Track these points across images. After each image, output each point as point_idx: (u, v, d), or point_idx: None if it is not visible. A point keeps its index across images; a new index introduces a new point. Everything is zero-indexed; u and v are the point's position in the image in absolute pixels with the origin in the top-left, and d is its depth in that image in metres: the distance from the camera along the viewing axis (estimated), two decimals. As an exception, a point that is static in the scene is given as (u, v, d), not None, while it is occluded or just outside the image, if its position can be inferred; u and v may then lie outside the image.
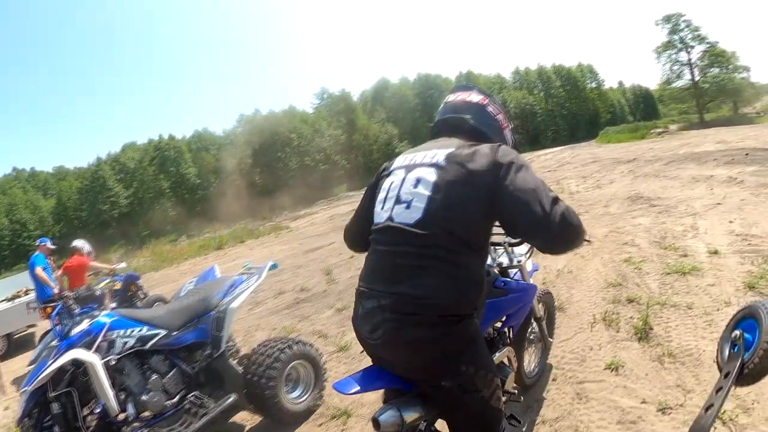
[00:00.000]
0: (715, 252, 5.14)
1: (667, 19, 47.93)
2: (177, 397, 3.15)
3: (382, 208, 1.67)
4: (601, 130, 43.54)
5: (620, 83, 72.15)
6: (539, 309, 2.86)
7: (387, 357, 1.62)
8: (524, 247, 2.51)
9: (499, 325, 2.26)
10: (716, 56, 45.84)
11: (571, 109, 57.89)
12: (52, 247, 7.48)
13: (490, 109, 1.94)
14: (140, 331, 3.06)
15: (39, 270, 6.90)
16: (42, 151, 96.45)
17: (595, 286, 4.90)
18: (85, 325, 2.92)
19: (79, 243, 7.29)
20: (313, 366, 3.70)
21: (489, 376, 1.56)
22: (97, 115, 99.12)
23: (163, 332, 3.15)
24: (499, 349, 2.17)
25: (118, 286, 7.14)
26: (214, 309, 3.44)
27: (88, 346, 2.80)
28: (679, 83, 48.89)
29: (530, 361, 3.05)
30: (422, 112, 52.83)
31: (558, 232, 1.49)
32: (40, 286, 6.94)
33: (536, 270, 3.04)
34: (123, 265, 7.96)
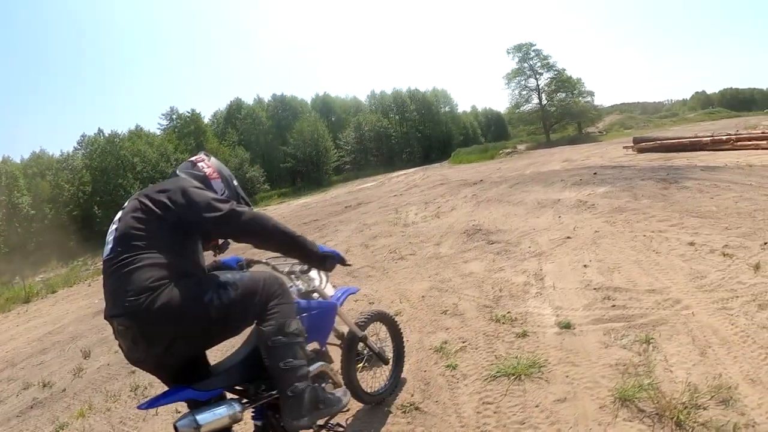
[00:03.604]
0: (567, 326, 3.59)
1: (518, 48, 53.21)
2: None
3: None
4: (453, 152, 45.23)
5: (473, 107, 78.14)
6: (354, 328, 2.89)
7: None
8: (314, 273, 2.73)
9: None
10: (563, 82, 51.76)
11: (425, 131, 60.98)
12: None
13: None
14: None
15: None
16: None
17: (379, 410, 3.02)
18: None
19: None
20: None
21: None
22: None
23: None
24: (312, 363, 2.38)
25: None
26: None
27: None
28: (527, 107, 54.07)
29: (372, 380, 3.23)
30: (276, 135, 52.88)
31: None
32: None
33: (352, 293, 3.20)
34: None
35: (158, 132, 50.12)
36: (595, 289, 4.28)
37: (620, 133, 45.81)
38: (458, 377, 3.23)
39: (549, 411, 2.59)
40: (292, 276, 2.69)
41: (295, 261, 2.60)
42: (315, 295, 2.68)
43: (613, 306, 3.81)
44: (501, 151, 35.19)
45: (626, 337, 3.24)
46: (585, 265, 5.02)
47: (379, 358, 3.09)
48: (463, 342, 3.73)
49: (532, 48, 52.66)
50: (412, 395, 3.15)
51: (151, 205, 2.06)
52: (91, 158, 43.43)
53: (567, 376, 2.88)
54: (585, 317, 3.70)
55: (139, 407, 1.98)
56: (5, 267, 32.65)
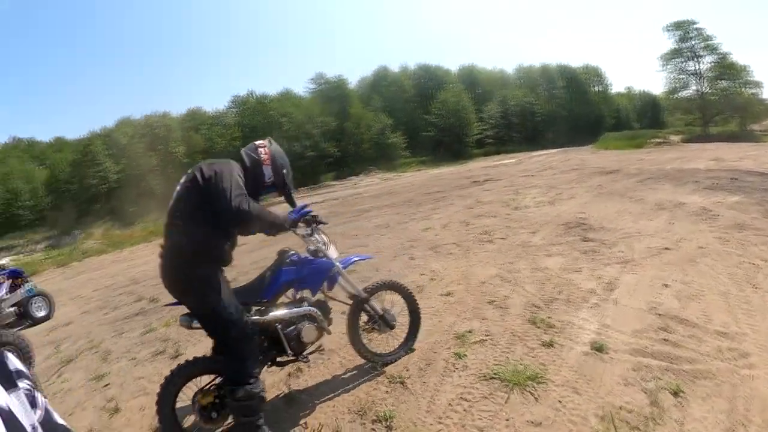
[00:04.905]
0: (600, 348, 3.22)
1: (678, 26, 45.67)
2: None
3: None
4: (601, 135, 41.78)
5: (628, 88, 69.93)
6: (358, 291, 3.26)
7: None
8: (317, 236, 3.17)
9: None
10: (726, 68, 43.59)
11: (573, 111, 55.91)
12: None
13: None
14: None
15: None
16: (42, 121, 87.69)
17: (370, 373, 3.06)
18: None
19: None
20: None
21: None
22: (100, 86, 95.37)
23: None
24: (300, 305, 3.03)
25: (2, 280, 8.06)
26: None
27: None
28: (684, 93, 46.85)
29: (380, 343, 3.48)
30: (419, 104, 51.79)
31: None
32: None
33: (362, 259, 3.66)
34: (4, 261, 9.17)
35: (305, 95, 51.77)
36: (658, 314, 3.75)
37: (788, 135, 38.48)
38: (458, 367, 3.16)
39: (515, 429, 2.39)
40: (305, 239, 3.14)
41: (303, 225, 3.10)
42: (320, 254, 3.10)
43: (665, 340, 3.32)
44: (650, 141, 31.86)
45: (656, 381, 2.80)
46: (666, 285, 4.42)
47: (383, 321, 3.32)
48: (487, 335, 3.56)
49: (694, 26, 44.56)
50: (407, 369, 3.21)
51: (199, 177, 2.63)
52: (242, 116, 46.50)
53: (560, 401, 2.61)
54: (626, 344, 3.28)
55: (165, 305, 3.22)
56: (158, 205, 35.80)
